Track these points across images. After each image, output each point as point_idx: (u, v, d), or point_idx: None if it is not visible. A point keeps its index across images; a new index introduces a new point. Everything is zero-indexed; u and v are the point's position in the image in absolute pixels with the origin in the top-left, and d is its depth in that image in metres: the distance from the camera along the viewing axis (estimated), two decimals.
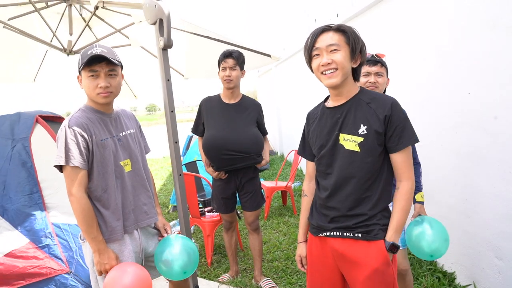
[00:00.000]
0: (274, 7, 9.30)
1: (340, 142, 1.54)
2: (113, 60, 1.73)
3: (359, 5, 4.13)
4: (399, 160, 1.50)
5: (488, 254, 2.49)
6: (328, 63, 1.47)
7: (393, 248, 1.48)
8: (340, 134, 1.54)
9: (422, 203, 2.17)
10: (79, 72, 1.77)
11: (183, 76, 4.24)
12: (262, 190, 5.00)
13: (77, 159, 1.64)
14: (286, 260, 3.44)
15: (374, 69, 2.17)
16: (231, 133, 2.69)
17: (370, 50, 4.08)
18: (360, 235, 1.51)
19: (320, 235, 1.63)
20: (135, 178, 1.86)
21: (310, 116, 1.76)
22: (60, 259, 2.48)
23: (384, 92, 2.26)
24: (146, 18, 2.28)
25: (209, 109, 2.82)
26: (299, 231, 1.81)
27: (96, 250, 1.69)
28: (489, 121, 2.38)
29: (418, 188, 2.18)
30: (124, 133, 1.86)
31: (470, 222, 2.62)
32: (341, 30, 1.49)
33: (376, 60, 2.18)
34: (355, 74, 1.56)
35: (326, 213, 1.60)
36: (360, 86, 1.61)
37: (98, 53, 1.69)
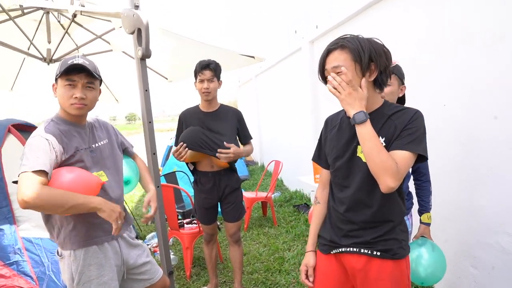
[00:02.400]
0: (254, 18, 9.39)
1: (357, 155, 1.46)
2: (94, 73, 1.68)
3: (338, 18, 4.21)
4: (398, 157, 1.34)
5: (464, 263, 2.54)
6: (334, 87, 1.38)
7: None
8: (358, 146, 1.44)
9: (428, 224, 2.11)
10: (56, 80, 1.71)
11: (167, 79, 4.20)
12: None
13: (45, 165, 1.56)
14: (266, 272, 3.41)
15: None
16: (212, 135, 2.66)
17: None
18: (379, 253, 1.44)
19: (334, 252, 1.54)
20: (111, 187, 1.80)
21: (329, 123, 1.65)
22: (29, 276, 2.37)
23: (404, 101, 2.13)
24: (124, 27, 2.24)
25: (188, 119, 2.81)
26: (308, 240, 1.68)
27: (96, 207, 1.58)
28: (464, 133, 2.44)
29: (425, 209, 2.13)
30: (97, 144, 1.80)
31: (447, 232, 2.67)
32: (345, 47, 1.38)
33: None
34: (378, 84, 1.43)
35: (342, 226, 1.51)
36: (384, 100, 1.50)
37: (80, 63, 1.64)
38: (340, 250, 1.52)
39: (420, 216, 2.16)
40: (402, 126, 1.37)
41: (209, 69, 2.68)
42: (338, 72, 1.37)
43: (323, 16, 4.73)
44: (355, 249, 1.47)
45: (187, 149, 2.61)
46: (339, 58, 1.38)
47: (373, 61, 1.37)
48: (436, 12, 2.65)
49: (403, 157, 1.32)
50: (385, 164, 1.29)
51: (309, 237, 1.69)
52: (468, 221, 2.47)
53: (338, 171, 1.52)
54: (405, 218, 2.13)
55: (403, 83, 2.06)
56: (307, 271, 1.64)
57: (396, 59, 2.04)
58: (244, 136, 2.88)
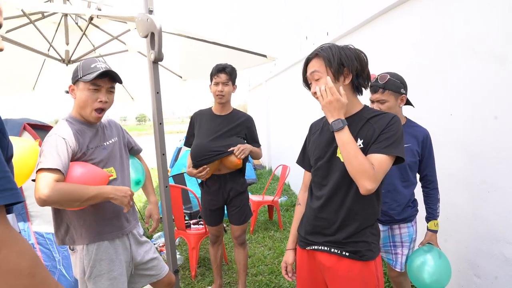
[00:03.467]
0: (266, 23, 9.46)
1: (337, 155, 1.54)
2: (119, 79, 1.82)
3: (348, 25, 4.25)
4: (376, 160, 1.40)
5: (468, 272, 2.54)
6: (315, 92, 1.50)
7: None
8: (338, 147, 1.51)
9: (435, 231, 2.13)
10: (75, 82, 1.78)
11: (181, 78, 4.29)
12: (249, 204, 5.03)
13: (61, 163, 1.63)
14: (270, 275, 3.44)
15: (375, 97, 2.06)
16: (214, 140, 2.72)
17: None
18: (347, 253, 1.51)
19: (308, 248, 1.64)
20: (120, 185, 1.86)
21: (313, 127, 1.78)
22: None
23: (410, 104, 2.16)
24: (138, 31, 2.31)
25: (200, 121, 2.86)
26: (289, 238, 1.81)
27: (108, 196, 1.67)
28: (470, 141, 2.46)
29: (432, 216, 2.15)
30: (108, 142, 1.88)
31: (451, 241, 2.68)
32: (318, 55, 1.50)
33: (378, 86, 2.04)
34: (355, 87, 1.52)
35: (316, 223, 1.60)
36: (365, 105, 1.57)
37: (108, 69, 1.75)
38: (313, 247, 1.62)
39: (427, 223, 2.18)
40: (380, 130, 1.45)
41: (224, 73, 2.73)
42: (317, 79, 1.50)
43: (334, 22, 4.78)
44: (326, 248, 1.57)
45: (208, 168, 2.68)
46: (315, 65, 1.51)
47: (344, 65, 1.46)
48: (446, 21, 2.67)
49: (380, 160, 1.40)
50: (362, 167, 1.36)
51: (290, 236, 1.81)
52: (471, 230, 2.48)
53: (319, 171, 1.61)
54: (409, 224, 2.17)
55: (401, 93, 2.07)
56: (286, 267, 1.77)
57: (374, 72, 2.04)
58: (251, 142, 2.87)
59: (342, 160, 1.50)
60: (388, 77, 2.05)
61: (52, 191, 1.51)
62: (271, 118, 9.59)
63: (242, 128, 2.82)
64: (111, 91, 1.83)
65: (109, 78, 1.78)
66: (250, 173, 8.17)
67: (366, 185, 1.35)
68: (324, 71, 1.48)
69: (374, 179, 1.36)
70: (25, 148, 2.06)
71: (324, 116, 1.65)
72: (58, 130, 1.70)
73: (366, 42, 3.92)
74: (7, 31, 3.36)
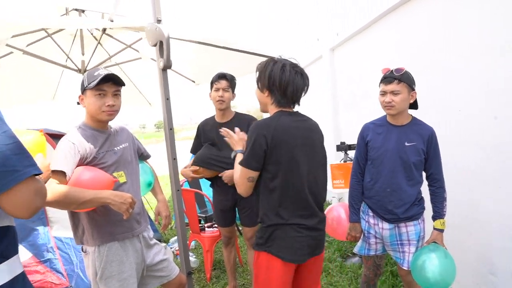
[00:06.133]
0: (278, 27, 9.51)
1: None
2: (121, 81, 1.89)
3: (357, 25, 4.25)
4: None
5: (482, 270, 2.51)
6: None
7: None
8: None
9: (440, 230, 2.12)
10: (83, 91, 1.88)
11: (194, 82, 4.38)
12: None
13: (66, 165, 1.71)
14: None
15: (389, 87, 2.05)
16: (216, 150, 2.81)
17: (370, 68, 4.17)
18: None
19: None
20: (130, 189, 1.93)
21: None
22: (60, 273, 2.55)
23: (416, 106, 2.16)
24: (148, 40, 2.39)
25: (206, 130, 2.95)
26: None
27: (106, 201, 1.70)
28: (482, 137, 2.43)
29: (438, 215, 2.14)
30: (119, 147, 1.96)
31: (466, 238, 2.64)
32: (257, 70, 1.92)
33: (393, 77, 2.05)
34: (277, 101, 1.82)
35: None
36: (278, 111, 1.81)
37: (109, 73, 1.83)
38: None
39: (433, 221, 2.17)
40: None
41: (225, 79, 2.81)
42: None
43: (344, 23, 4.78)
44: None
45: (198, 168, 2.81)
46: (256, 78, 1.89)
47: (258, 81, 1.84)
48: (453, 18, 2.66)
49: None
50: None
51: None
52: (486, 226, 2.45)
53: None
54: (415, 222, 2.15)
55: (413, 89, 2.09)
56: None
57: (387, 67, 2.12)
58: None
59: None
60: (405, 69, 2.06)
61: (49, 193, 1.52)
62: None
63: (245, 131, 2.85)
64: (116, 94, 1.91)
65: (113, 82, 1.86)
66: None
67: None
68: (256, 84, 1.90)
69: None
70: (29, 141, 2.15)
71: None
72: (69, 136, 1.81)
73: (373, 43, 3.92)
74: (28, 45, 3.51)
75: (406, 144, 2.09)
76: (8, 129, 0.96)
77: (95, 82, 1.80)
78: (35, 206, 0.98)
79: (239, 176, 1.76)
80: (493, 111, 2.32)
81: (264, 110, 1.92)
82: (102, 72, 1.84)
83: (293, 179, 1.72)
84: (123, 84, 1.92)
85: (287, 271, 1.75)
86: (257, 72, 1.85)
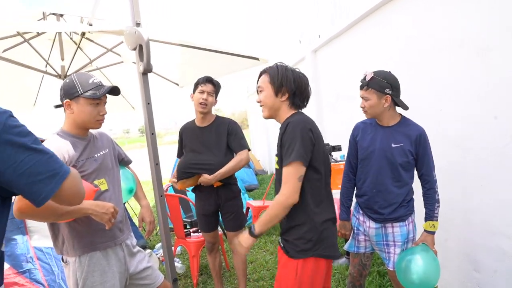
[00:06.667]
0: (261, 29, 9.53)
1: (275, 166, 1.83)
2: (119, 92, 1.90)
3: (339, 26, 4.28)
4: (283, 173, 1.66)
5: (467, 267, 2.54)
6: (258, 101, 1.84)
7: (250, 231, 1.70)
8: (274, 158, 1.83)
9: (430, 232, 2.10)
10: (73, 97, 1.79)
11: (177, 85, 4.33)
12: (249, 209, 5.02)
13: None
14: (272, 279, 3.44)
15: (360, 93, 2.14)
16: (195, 156, 2.83)
17: (352, 69, 4.20)
18: (282, 245, 1.78)
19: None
20: (112, 196, 1.89)
21: None
22: (41, 284, 2.47)
23: (402, 106, 2.12)
24: (127, 44, 2.35)
25: (187, 134, 2.94)
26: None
27: (87, 212, 1.66)
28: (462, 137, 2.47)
29: (429, 217, 2.12)
30: (99, 154, 1.91)
31: (449, 236, 2.67)
32: (266, 72, 1.81)
33: (362, 83, 2.13)
34: (292, 103, 1.80)
35: None
36: (296, 112, 1.81)
37: (113, 86, 1.84)
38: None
39: (424, 222, 2.17)
40: (280, 137, 1.72)
41: (211, 84, 2.79)
42: (260, 91, 1.81)
43: (326, 25, 4.82)
44: (279, 240, 1.85)
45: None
46: (261, 80, 1.83)
47: (283, 85, 1.75)
48: (435, 18, 2.70)
49: (285, 170, 1.64)
50: (273, 212, 1.64)
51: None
52: (467, 224, 2.48)
53: None
54: (402, 224, 2.16)
55: (385, 94, 2.06)
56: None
57: (367, 70, 2.12)
58: (234, 147, 2.83)
59: (277, 167, 1.78)
60: (373, 75, 2.08)
61: (26, 205, 1.45)
62: (269, 123, 9.61)
63: (224, 135, 2.84)
64: (105, 103, 1.90)
65: (109, 92, 1.85)
66: (251, 179, 8.18)
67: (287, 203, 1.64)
68: (267, 87, 1.79)
69: (283, 193, 1.63)
70: None
71: None
72: (47, 144, 1.73)
73: (358, 42, 3.95)
74: (4, 50, 3.41)
75: (393, 145, 2.10)
76: (36, 137, 1.06)
77: (99, 93, 1.78)
78: (81, 194, 1.18)
79: (291, 177, 1.61)
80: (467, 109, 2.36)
81: (270, 115, 1.84)
82: (97, 81, 1.82)
83: (327, 172, 1.76)
84: (119, 93, 1.92)
85: (328, 270, 1.78)
86: (272, 77, 1.77)
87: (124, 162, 2.21)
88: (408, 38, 2.99)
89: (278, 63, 1.83)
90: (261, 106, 1.83)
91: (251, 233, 1.68)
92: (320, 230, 1.68)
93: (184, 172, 2.80)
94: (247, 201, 5.32)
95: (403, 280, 1.94)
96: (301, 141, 1.61)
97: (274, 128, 9.19)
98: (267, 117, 1.84)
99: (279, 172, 1.72)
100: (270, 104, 1.79)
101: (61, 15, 3.56)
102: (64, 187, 1.06)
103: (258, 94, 1.85)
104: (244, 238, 1.71)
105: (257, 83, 1.85)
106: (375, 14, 3.52)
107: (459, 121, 2.49)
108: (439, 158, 2.65)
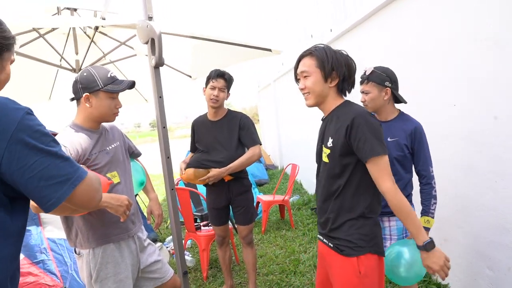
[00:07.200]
0: (272, 22, 9.48)
1: (323, 159, 1.66)
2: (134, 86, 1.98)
3: (350, 21, 4.23)
4: (369, 170, 1.53)
5: (480, 264, 2.50)
6: (302, 88, 1.64)
7: (427, 246, 1.49)
8: (324, 150, 1.65)
9: (425, 228, 2.00)
10: (92, 91, 1.81)
11: (191, 77, 4.34)
12: (259, 204, 5.03)
13: None
14: (281, 274, 3.45)
15: (361, 88, 2.18)
16: (207, 152, 2.84)
17: (364, 63, 4.16)
18: (332, 245, 1.62)
19: (318, 237, 1.77)
20: (124, 189, 1.91)
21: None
22: (54, 274, 2.51)
23: (401, 100, 2.16)
24: (139, 37, 2.36)
25: (199, 128, 2.95)
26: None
27: (102, 205, 1.66)
28: (477, 132, 2.42)
29: (424, 212, 2.10)
30: (111, 147, 1.93)
31: (462, 232, 2.64)
32: (313, 55, 1.60)
33: (363, 78, 2.16)
34: (340, 89, 1.64)
35: (319, 215, 1.72)
36: (346, 100, 1.67)
37: (132, 81, 1.94)
38: (318, 237, 1.75)
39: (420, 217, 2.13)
40: (345, 129, 1.52)
41: (223, 79, 2.78)
42: (305, 77, 1.61)
43: (339, 19, 4.77)
44: (321, 238, 1.71)
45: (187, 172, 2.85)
46: (307, 64, 1.61)
47: (334, 69, 1.57)
48: (446, 13, 2.64)
49: (372, 166, 1.52)
50: (408, 210, 1.51)
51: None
52: (481, 221, 2.44)
53: (318, 167, 1.75)
54: (398, 218, 2.12)
55: (385, 86, 2.10)
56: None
57: (367, 66, 2.14)
58: (246, 142, 2.83)
59: (323, 158, 1.65)
60: (373, 69, 2.13)
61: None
62: (280, 118, 9.59)
63: (236, 130, 2.84)
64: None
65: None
66: (262, 173, 8.20)
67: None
68: (314, 71, 1.59)
69: (386, 185, 1.51)
70: None
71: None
72: (59, 138, 1.75)
73: (370, 36, 3.90)
74: (21, 46, 3.47)
75: (389, 139, 2.11)
76: (53, 138, 1.01)
77: (119, 88, 1.84)
78: (97, 198, 1.10)
79: (388, 171, 1.49)
80: (491, 108, 2.31)
81: (316, 103, 1.65)
82: (115, 75, 1.88)
83: None
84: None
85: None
86: (321, 61, 1.57)
87: (134, 154, 2.23)
88: (419, 34, 2.93)
89: (320, 45, 1.63)
90: (305, 93, 1.63)
91: (425, 246, 1.49)
92: (372, 223, 1.59)
93: (194, 165, 2.83)
94: (257, 195, 5.33)
95: (387, 273, 1.88)
96: (380, 134, 1.50)
97: (283, 122, 9.17)
98: (312, 105, 1.65)
99: (329, 167, 1.60)
100: (319, 91, 1.60)
101: (75, 10, 3.60)
102: (77, 193, 1.00)
103: (298, 80, 1.68)
104: (435, 257, 1.48)
105: (298, 67, 1.65)
106: (388, 8, 3.46)
107: (474, 116, 2.44)
108: (452, 154, 2.62)
